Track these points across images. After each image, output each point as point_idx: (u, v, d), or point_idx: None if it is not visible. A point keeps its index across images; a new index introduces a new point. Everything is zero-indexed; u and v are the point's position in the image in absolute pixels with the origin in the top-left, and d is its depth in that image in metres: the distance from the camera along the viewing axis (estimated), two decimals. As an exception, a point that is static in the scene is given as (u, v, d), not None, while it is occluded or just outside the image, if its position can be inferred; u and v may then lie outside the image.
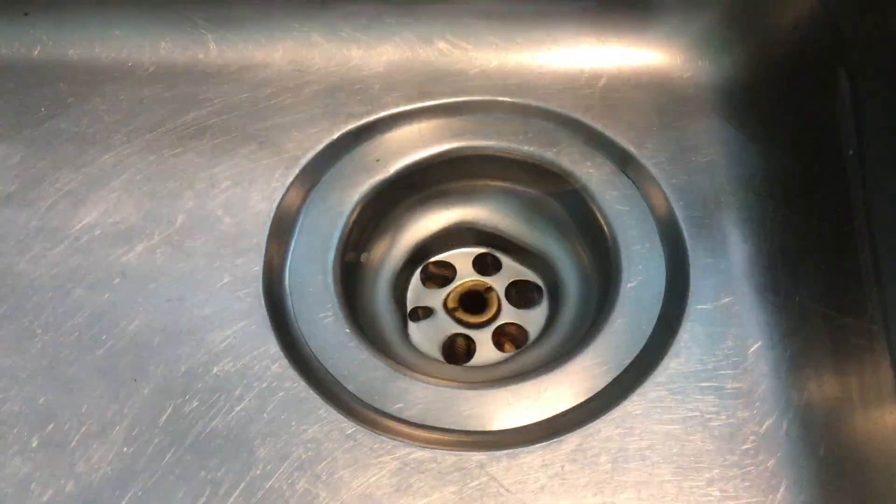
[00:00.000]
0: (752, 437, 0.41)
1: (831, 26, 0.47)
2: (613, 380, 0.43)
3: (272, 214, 0.46)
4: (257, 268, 0.45)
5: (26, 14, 0.51)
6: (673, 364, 0.43)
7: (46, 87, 0.50)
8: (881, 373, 0.41)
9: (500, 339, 0.52)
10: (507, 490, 0.40)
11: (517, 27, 0.52)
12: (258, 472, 0.40)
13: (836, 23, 0.47)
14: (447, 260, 0.54)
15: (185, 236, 0.46)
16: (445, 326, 0.52)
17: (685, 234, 0.46)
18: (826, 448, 0.41)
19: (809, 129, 0.47)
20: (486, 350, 0.51)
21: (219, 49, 0.51)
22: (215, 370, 0.43)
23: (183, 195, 0.47)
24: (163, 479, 0.40)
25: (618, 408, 0.42)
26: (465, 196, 0.53)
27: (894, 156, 0.43)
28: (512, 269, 0.54)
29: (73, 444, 0.41)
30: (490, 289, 0.53)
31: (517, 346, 0.52)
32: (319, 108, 0.50)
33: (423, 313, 0.53)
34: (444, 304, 0.52)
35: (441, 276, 0.54)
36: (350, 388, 0.43)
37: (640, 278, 0.46)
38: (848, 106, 0.45)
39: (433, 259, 0.54)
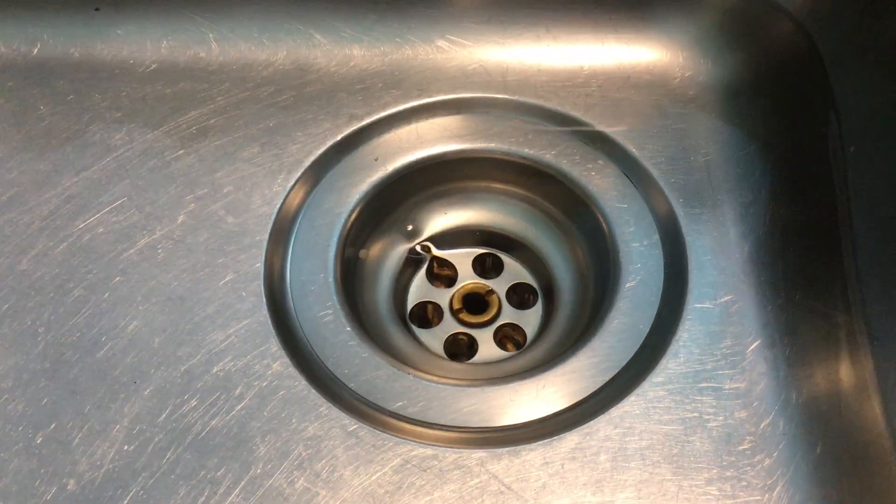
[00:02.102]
0: (749, 437, 0.42)
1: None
2: (612, 378, 0.44)
3: (273, 217, 0.47)
4: (258, 265, 0.45)
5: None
6: (672, 364, 0.43)
7: (46, 85, 0.50)
8: (878, 372, 0.41)
9: (501, 339, 0.52)
10: (508, 488, 0.40)
11: (517, 26, 0.52)
12: (258, 470, 0.41)
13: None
14: (448, 259, 0.54)
15: (187, 235, 0.46)
16: (448, 326, 0.52)
17: (684, 232, 0.47)
18: (823, 447, 0.41)
19: (808, 130, 0.48)
20: (487, 350, 0.52)
21: (220, 48, 0.51)
22: (215, 369, 0.43)
23: (184, 199, 0.47)
24: (163, 478, 0.40)
25: (617, 407, 0.42)
26: (464, 196, 0.53)
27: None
28: (511, 270, 0.54)
29: (75, 442, 0.41)
30: (491, 291, 0.53)
31: (518, 347, 0.52)
32: (321, 108, 0.50)
33: (426, 316, 0.53)
34: (449, 306, 0.53)
35: (444, 276, 0.54)
36: (351, 385, 0.44)
37: (639, 277, 0.46)
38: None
39: (435, 257, 0.54)
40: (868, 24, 0.45)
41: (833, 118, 0.46)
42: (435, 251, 0.52)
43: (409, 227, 0.52)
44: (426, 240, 0.53)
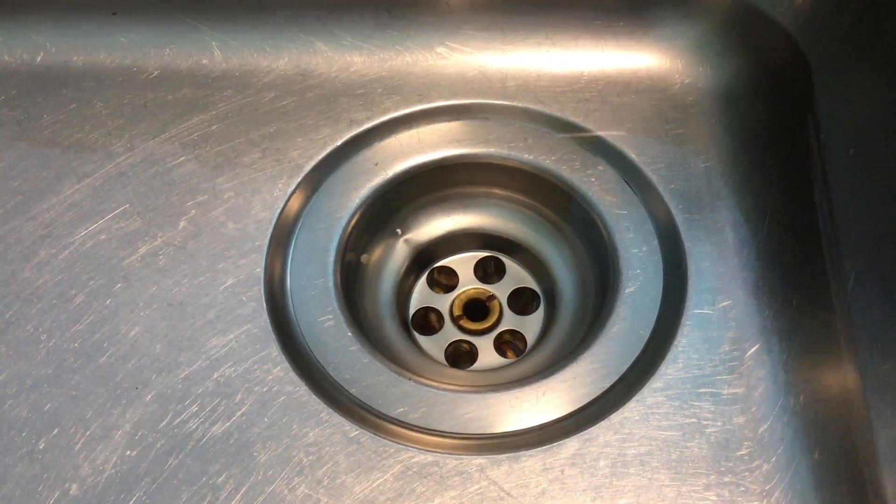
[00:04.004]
0: (747, 442, 0.42)
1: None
2: (612, 385, 0.44)
3: (274, 222, 0.47)
4: (258, 270, 0.46)
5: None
6: (670, 369, 0.43)
7: (49, 93, 0.50)
8: (877, 377, 0.41)
9: (501, 345, 0.52)
10: (508, 494, 0.41)
11: (516, 32, 0.52)
12: (259, 476, 0.41)
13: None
14: (449, 265, 0.54)
15: (188, 241, 0.46)
16: (449, 333, 0.53)
17: (683, 238, 0.47)
18: (821, 452, 0.42)
19: (806, 136, 0.48)
20: (487, 356, 0.52)
21: (223, 55, 0.52)
22: (216, 375, 0.43)
23: (185, 205, 0.47)
24: (165, 484, 0.41)
25: (616, 413, 0.42)
26: (465, 201, 0.53)
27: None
28: (513, 274, 0.54)
29: (77, 447, 0.41)
30: (492, 297, 0.53)
31: (518, 353, 0.52)
32: (322, 113, 0.50)
33: (427, 322, 0.53)
34: (450, 312, 0.53)
35: (444, 282, 0.55)
36: (352, 391, 0.44)
37: (639, 283, 0.46)
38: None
39: (436, 265, 0.55)
40: (859, 35, 0.45)
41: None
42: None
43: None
44: (427, 245, 0.54)
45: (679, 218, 0.47)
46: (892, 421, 0.40)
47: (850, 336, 0.43)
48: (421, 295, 0.54)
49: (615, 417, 0.42)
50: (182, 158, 0.49)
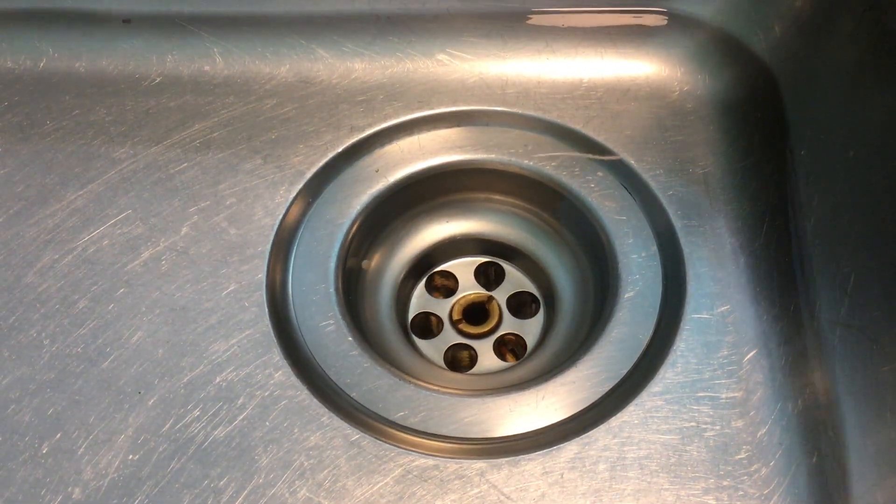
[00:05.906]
0: (746, 446, 0.42)
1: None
2: (611, 389, 0.44)
3: (275, 228, 0.47)
4: (260, 276, 0.46)
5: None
6: (669, 374, 0.43)
7: (52, 99, 0.51)
8: (877, 381, 0.41)
9: (500, 348, 0.53)
10: (508, 498, 0.41)
11: (516, 39, 0.53)
12: (261, 480, 0.41)
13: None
14: (449, 270, 0.55)
15: (190, 247, 0.47)
16: (448, 337, 0.53)
17: (682, 244, 0.47)
18: (819, 456, 0.42)
19: (804, 142, 0.48)
20: (487, 359, 0.52)
21: (225, 62, 0.52)
22: (218, 379, 0.43)
23: (188, 211, 0.48)
24: (168, 487, 0.41)
25: (615, 417, 0.42)
26: (465, 207, 0.54)
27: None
28: (513, 279, 0.54)
29: (80, 451, 0.42)
30: (491, 299, 0.53)
31: (517, 356, 0.52)
32: (323, 120, 0.50)
33: (427, 326, 0.54)
34: (449, 317, 0.53)
35: (444, 286, 0.55)
36: (353, 395, 0.44)
37: (638, 288, 0.46)
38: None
39: (436, 269, 0.55)
40: (857, 39, 0.45)
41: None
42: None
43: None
44: (429, 248, 0.54)
45: (678, 224, 0.47)
46: (892, 423, 0.40)
47: (849, 338, 0.43)
48: (421, 299, 0.54)
49: (614, 421, 0.42)
50: (184, 165, 0.49)
